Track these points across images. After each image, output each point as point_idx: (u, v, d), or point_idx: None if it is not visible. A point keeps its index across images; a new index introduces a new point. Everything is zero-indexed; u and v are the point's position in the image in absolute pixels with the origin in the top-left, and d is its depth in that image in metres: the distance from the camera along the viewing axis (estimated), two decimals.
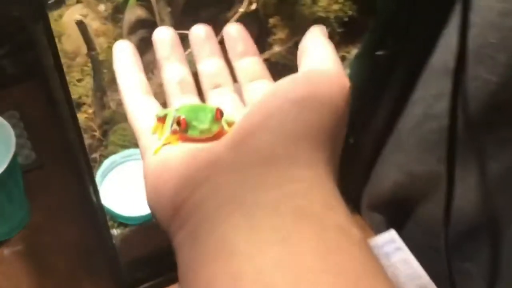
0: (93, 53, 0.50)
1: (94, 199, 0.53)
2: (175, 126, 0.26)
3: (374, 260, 0.21)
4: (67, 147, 0.66)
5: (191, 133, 0.25)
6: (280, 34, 0.52)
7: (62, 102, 0.43)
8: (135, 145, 0.57)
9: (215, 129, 0.25)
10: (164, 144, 0.26)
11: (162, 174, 0.25)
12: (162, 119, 0.27)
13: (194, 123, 0.25)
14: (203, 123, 0.25)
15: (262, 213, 0.21)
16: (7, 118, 0.57)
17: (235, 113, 0.29)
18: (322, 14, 0.47)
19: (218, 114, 0.26)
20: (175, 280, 0.55)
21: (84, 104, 0.56)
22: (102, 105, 0.56)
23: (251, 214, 0.21)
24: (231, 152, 0.24)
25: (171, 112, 0.27)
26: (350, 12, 0.45)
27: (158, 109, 0.29)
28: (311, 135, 0.23)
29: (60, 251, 0.62)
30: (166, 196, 0.24)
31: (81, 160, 0.54)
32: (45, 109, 0.70)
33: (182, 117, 0.25)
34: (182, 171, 0.24)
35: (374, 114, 0.54)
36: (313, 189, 0.22)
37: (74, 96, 0.60)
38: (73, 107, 0.41)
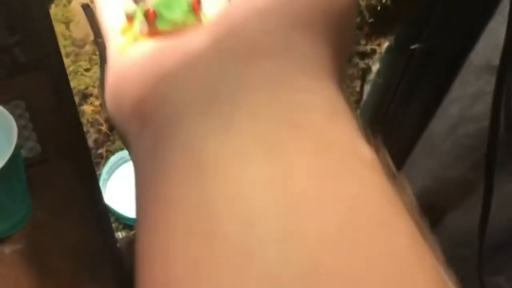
0: (99, 40, 0.46)
1: (98, 200, 0.50)
2: (144, 21, 0.22)
3: (394, 193, 0.16)
4: (72, 142, 0.63)
5: (161, 25, 0.21)
6: None
7: (65, 93, 0.39)
8: None
9: (191, 21, 0.21)
10: (131, 43, 0.22)
11: (124, 73, 0.21)
12: (132, 18, 0.23)
13: (166, 14, 0.21)
14: (176, 14, 0.21)
15: (243, 115, 0.16)
16: (12, 108, 0.54)
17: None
18: None
19: (196, 4, 0.21)
20: None
21: (91, 95, 0.52)
22: None
23: (229, 115, 0.17)
24: (209, 43, 0.19)
25: (141, 6, 0.23)
26: (384, 0, 0.41)
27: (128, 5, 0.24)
28: (311, 23, 0.18)
29: (62, 251, 0.59)
30: (127, 94, 0.20)
31: (84, 159, 0.51)
32: (53, 100, 0.67)
33: (151, 8, 0.21)
34: (148, 66, 0.20)
35: (405, 113, 0.50)
36: (312, 94, 0.18)
37: (80, 86, 0.57)
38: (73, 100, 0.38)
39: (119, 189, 0.52)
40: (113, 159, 0.51)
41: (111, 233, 0.45)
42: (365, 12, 0.43)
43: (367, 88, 0.47)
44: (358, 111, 0.50)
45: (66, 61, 0.60)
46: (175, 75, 0.19)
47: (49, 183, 0.61)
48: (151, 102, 0.19)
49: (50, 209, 0.60)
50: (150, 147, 0.18)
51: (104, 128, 0.51)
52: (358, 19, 0.41)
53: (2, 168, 0.48)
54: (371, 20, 0.44)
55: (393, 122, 0.52)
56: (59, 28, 0.61)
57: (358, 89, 0.47)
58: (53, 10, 0.61)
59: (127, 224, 0.51)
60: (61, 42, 0.61)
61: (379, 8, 0.42)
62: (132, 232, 0.51)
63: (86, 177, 0.62)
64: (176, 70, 0.19)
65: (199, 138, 0.17)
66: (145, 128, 0.19)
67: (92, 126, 0.55)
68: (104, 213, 0.44)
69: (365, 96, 0.49)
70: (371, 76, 0.46)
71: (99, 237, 0.58)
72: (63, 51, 0.61)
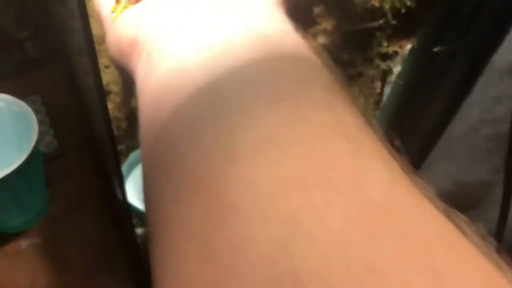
0: None
1: (120, 195, 0.50)
2: None
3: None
4: (91, 137, 0.63)
5: None
6: (325, 25, 0.48)
7: (92, 89, 0.39)
8: None
9: None
10: (121, 11, 0.26)
11: (120, 28, 0.25)
12: None
13: None
14: None
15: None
16: (29, 104, 0.54)
17: None
18: (376, 4, 0.42)
19: None
20: None
21: (111, 92, 0.52)
22: (130, 93, 0.53)
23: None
24: None
25: None
26: (409, 3, 0.41)
27: None
28: None
29: (79, 245, 0.59)
30: (125, 36, 0.25)
31: (107, 153, 0.51)
32: (69, 95, 0.67)
33: None
34: (141, 11, 0.25)
35: (424, 115, 0.50)
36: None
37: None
38: (104, 94, 0.38)
39: (138, 186, 0.52)
40: (133, 156, 0.52)
41: (129, 228, 0.45)
42: (389, 15, 0.43)
43: (387, 90, 0.47)
44: (378, 112, 0.50)
45: (85, 58, 0.60)
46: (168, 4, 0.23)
47: (65, 178, 0.62)
48: (143, 35, 0.23)
49: (66, 204, 0.61)
50: (146, 75, 0.22)
51: (124, 125, 0.51)
52: (382, 21, 0.41)
53: (22, 163, 0.49)
54: (394, 22, 0.44)
55: (412, 124, 0.52)
56: (74, 24, 0.62)
57: (378, 90, 0.47)
58: (70, 5, 0.61)
59: (145, 220, 0.51)
60: (78, 38, 0.62)
61: (403, 11, 0.42)
62: None
63: (105, 172, 0.62)
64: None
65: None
66: (140, 56, 0.23)
67: (111, 122, 0.55)
68: (124, 210, 0.44)
69: (385, 98, 0.49)
70: (392, 78, 0.46)
71: (116, 232, 0.58)
72: (80, 48, 0.62)
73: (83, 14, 0.30)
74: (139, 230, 0.51)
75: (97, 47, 0.58)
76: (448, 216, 0.15)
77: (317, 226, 0.14)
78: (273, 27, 0.21)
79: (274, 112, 0.16)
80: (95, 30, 0.61)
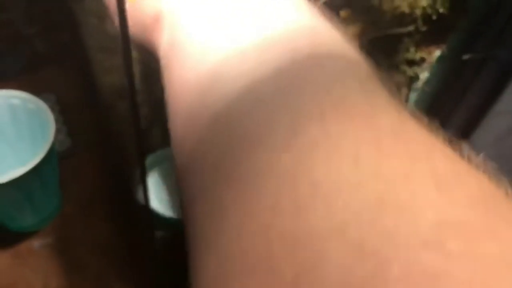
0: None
1: (141, 199, 0.49)
2: None
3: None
4: (105, 137, 0.62)
5: None
6: (352, 29, 0.47)
7: (113, 88, 0.38)
8: None
9: None
10: None
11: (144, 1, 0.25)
12: None
13: None
14: None
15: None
16: (43, 101, 0.53)
17: None
18: (406, 10, 0.41)
19: None
20: None
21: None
22: (149, 92, 0.52)
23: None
24: None
25: None
26: (441, 10, 0.40)
27: None
28: None
29: (91, 247, 0.59)
30: (148, 9, 0.24)
31: (127, 156, 0.50)
32: (82, 93, 0.66)
33: None
34: None
35: (449, 123, 0.49)
36: None
37: (116, 83, 0.56)
38: (135, 94, 0.37)
39: (155, 188, 0.51)
40: (151, 157, 0.51)
41: (150, 233, 0.44)
42: (419, 21, 0.42)
43: (413, 96, 0.46)
44: None
45: (101, 56, 0.59)
46: None
47: (79, 178, 0.61)
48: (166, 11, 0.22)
49: (79, 204, 0.60)
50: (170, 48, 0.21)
51: (142, 124, 0.50)
52: (412, 28, 0.40)
53: (39, 162, 0.48)
54: (423, 28, 0.43)
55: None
56: (92, 22, 0.61)
57: (404, 96, 0.46)
58: (87, 3, 0.60)
59: (163, 223, 0.51)
60: (95, 36, 0.61)
61: (434, 17, 0.41)
62: (164, 232, 0.50)
63: (122, 172, 0.61)
64: None
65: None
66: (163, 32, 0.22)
67: (127, 122, 0.54)
68: (145, 213, 0.44)
69: (411, 104, 0.48)
70: (418, 85, 0.46)
71: (129, 234, 0.57)
72: (97, 46, 0.61)
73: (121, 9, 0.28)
74: (155, 233, 0.50)
75: (112, 45, 0.58)
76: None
77: (333, 150, 0.15)
78: (311, 20, 0.20)
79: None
80: (110, 29, 0.60)
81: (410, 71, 0.45)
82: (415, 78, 0.46)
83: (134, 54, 0.55)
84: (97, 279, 0.57)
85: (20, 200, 0.51)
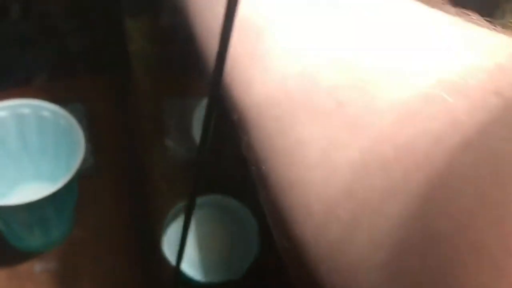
0: None
1: (166, 250, 0.44)
2: None
3: None
4: (132, 161, 0.58)
5: None
6: None
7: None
8: (219, 189, 0.47)
9: None
10: None
11: None
12: None
13: None
14: None
15: None
16: (70, 112, 0.49)
17: None
18: None
19: None
20: None
21: None
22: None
23: None
24: None
25: None
26: None
27: None
28: None
29: (95, 277, 0.54)
30: None
31: (158, 189, 0.45)
32: (114, 108, 0.62)
33: None
34: None
35: None
36: None
37: (158, 111, 0.52)
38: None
39: (174, 243, 0.46)
40: (179, 206, 0.46)
41: (152, 269, 0.40)
42: None
43: None
44: None
45: (147, 80, 0.54)
46: None
47: (95, 201, 0.56)
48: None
49: (91, 230, 0.55)
50: None
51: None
52: None
53: (60, 189, 0.43)
54: None
55: None
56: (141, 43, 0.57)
57: None
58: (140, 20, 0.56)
59: (184, 282, 0.46)
60: (142, 57, 0.56)
61: None
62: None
63: (135, 199, 0.56)
64: None
65: None
66: None
67: (159, 153, 0.50)
68: (157, 261, 0.40)
69: None
70: None
71: (141, 276, 0.52)
72: (143, 69, 0.56)
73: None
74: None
75: None
76: None
77: None
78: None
79: None
80: None
81: None
82: None
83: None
84: None
85: (32, 222, 0.47)
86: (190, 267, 0.44)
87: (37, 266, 0.52)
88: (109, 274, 0.53)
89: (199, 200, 0.48)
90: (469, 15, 0.19)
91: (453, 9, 0.20)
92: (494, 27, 0.18)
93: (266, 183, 0.19)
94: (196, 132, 0.47)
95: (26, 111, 0.47)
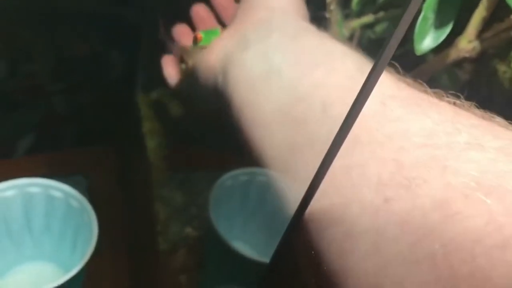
0: None
1: None
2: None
3: None
4: (136, 239, 0.56)
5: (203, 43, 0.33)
6: None
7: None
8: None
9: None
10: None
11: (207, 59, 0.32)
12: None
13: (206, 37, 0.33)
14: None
15: None
16: (71, 184, 0.47)
17: None
18: None
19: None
20: None
21: None
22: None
23: None
24: None
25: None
26: None
27: None
28: None
29: None
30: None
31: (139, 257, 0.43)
32: (116, 181, 0.60)
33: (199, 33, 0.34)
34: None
35: None
36: None
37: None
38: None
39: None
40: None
41: None
42: None
43: None
44: None
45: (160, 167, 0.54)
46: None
47: (96, 279, 0.54)
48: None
49: None
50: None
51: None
52: None
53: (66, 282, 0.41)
54: None
55: None
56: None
57: None
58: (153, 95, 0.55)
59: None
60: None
61: None
62: None
63: (139, 278, 0.54)
64: None
65: None
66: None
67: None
68: None
69: None
70: None
71: None
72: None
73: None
74: None
75: None
76: None
77: None
78: None
79: None
80: None
81: None
82: None
83: None
84: None
85: None
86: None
87: None
88: None
89: None
90: (493, 117, 0.20)
91: (478, 112, 0.21)
92: None
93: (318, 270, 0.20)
94: (214, 213, 0.46)
95: (35, 190, 0.45)
